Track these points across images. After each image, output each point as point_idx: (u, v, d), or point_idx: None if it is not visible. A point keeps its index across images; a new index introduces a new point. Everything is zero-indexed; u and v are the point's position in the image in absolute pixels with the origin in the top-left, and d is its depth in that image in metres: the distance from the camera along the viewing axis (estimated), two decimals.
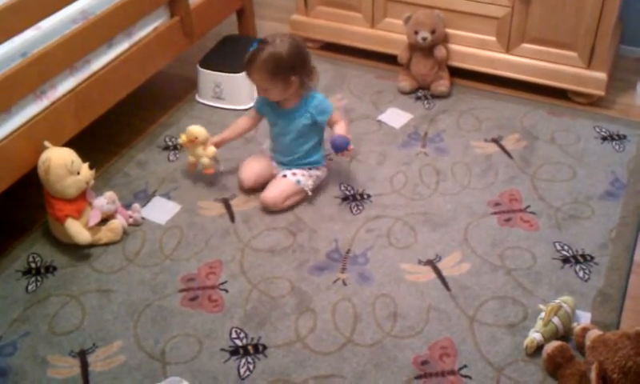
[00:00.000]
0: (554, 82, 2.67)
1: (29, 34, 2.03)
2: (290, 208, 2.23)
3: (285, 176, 2.24)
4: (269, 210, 2.22)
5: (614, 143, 2.47)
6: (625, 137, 2.49)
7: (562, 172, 2.35)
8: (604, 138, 2.49)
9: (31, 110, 2.06)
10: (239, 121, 2.35)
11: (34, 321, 1.90)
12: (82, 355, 1.81)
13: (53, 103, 2.12)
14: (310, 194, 2.26)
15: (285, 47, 2.09)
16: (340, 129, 2.20)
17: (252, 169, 2.30)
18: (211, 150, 2.27)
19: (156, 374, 1.75)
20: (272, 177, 2.29)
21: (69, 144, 2.12)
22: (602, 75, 2.59)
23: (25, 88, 2.00)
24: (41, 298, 1.97)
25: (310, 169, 2.27)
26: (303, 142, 2.23)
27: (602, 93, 2.62)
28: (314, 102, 2.19)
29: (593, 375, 1.50)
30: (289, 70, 2.09)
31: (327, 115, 2.21)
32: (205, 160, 2.27)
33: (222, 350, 1.81)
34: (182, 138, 2.29)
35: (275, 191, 2.21)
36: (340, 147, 2.13)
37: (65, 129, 2.16)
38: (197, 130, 2.26)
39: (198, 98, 2.79)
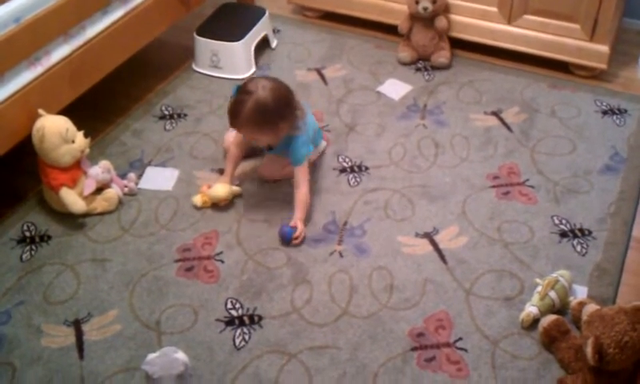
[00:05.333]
0: (556, 54, 2.64)
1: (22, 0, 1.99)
2: (288, 178, 2.21)
3: None
4: (266, 180, 2.20)
5: (614, 117, 2.45)
6: (626, 111, 2.47)
7: (561, 146, 2.33)
8: (605, 112, 2.47)
9: (25, 77, 2.02)
10: (231, 152, 2.17)
11: (28, 290, 1.89)
12: (77, 324, 1.81)
13: (47, 70, 2.08)
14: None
15: (269, 94, 1.94)
16: (297, 211, 2.04)
17: (235, 136, 2.18)
18: (237, 189, 2.16)
19: (151, 344, 1.75)
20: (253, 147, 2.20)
21: (63, 112, 2.09)
22: (604, 48, 2.55)
23: (18, 55, 1.97)
24: (35, 266, 1.96)
25: None
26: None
27: (604, 66, 2.58)
28: (293, 145, 2.04)
29: (589, 349, 1.50)
30: (276, 118, 1.96)
31: (297, 164, 2.05)
32: (229, 197, 2.14)
33: (218, 320, 1.81)
34: (202, 202, 2.12)
35: (272, 165, 2.19)
36: (285, 238, 1.99)
37: (59, 96, 2.13)
38: (221, 193, 2.10)
39: (194, 67, 2.76)
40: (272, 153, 2.14)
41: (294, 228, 2.00)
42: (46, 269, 1.95)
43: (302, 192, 2.05)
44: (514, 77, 2.66)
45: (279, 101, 1.96)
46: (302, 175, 2.06)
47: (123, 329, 1.79)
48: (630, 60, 2.75)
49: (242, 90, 1.98)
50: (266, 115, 1.94)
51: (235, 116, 1.96)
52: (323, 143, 2.32)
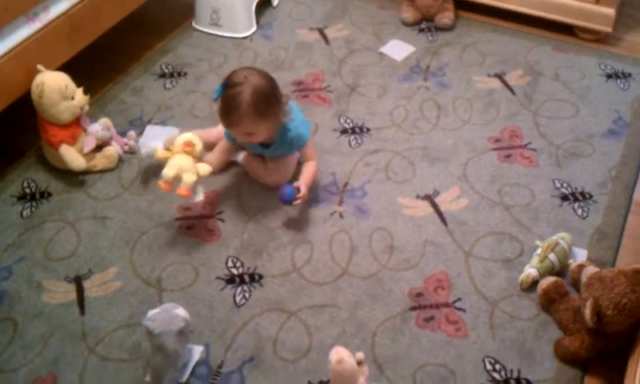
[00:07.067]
0: (561, 16, 2.60)
1: None
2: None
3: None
4: (273, 187, 2.00)
5: (618, 81, 2.42)
6: (630, 75, 2.45)
7: (564, 109, 2.31)
8: (609, 76, 2.45)
9: (23, 32, 2.00)
10: (214, 153, 2.02)
11: (29, 246, 1.90)
12: (78, 281, 1.81)
13: (45, 26, 2.05)
14: None
15: (260, 79, 1.81)
16: (304, 176, 1.96)
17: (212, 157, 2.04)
18: (205, 168, 1.90)
19: (152, 300, 1.76)
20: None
21: (62, 69, 2.07)
22: (610, 11, 2.52)
23: (16, 9, 1.95)
24: (36, 223, 1.96)
25: None
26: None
27: (609, 29, 2.55)
28: (291, 134, 1.93)
29: (587, 311, 1.51)
30: (275, 101, 1.84)
31: (303, 145, 1.97)
32: (190, 179, 1.85)
33: (218, 278, 1.82)
34: (169, 150, 1.90)
35: (278, 171, 2.03)
36: (285, 197, 1.89)
37: (58, 53, 2.11)
38: (192, 137, 1.88)
39: (194, 25, 2.72)
40: (269, 153, 2.01)
41: (297, 189, 1.90)
42: (46, 225, 1.95)
43: (310, 163, 1.99)
44: (518, 39, 2.63)
45: (272, 82, 1.85)
46: (310, 152, 2.00)
47: (124, 285, 1.80)
48: (636, 24, 2.71)
49: (230, 84, 1.81)
50: (267, 99, 1.81)
51: (234, 110, 1.79)
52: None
